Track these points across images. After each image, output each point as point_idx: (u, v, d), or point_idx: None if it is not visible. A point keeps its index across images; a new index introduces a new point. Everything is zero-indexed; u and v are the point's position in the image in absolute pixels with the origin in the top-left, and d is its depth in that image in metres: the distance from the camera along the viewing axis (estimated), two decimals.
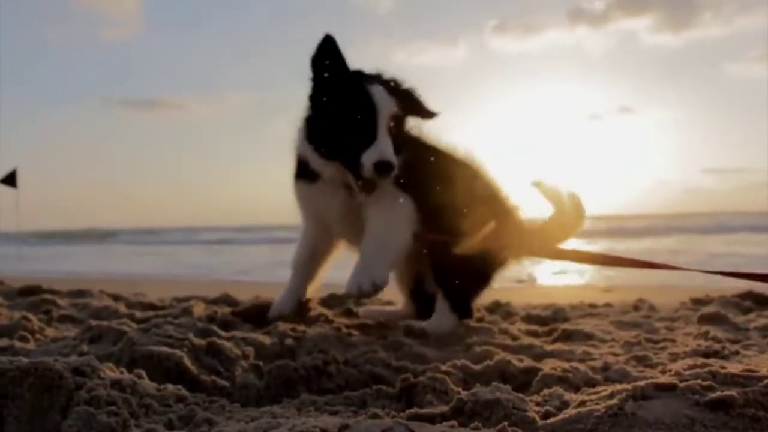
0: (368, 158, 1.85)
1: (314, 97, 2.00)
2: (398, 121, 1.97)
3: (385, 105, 1.91)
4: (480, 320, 2.43)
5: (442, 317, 2.16)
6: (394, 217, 2.02)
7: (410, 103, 2.02)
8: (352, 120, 1.89)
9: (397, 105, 1.94)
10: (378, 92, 1.92)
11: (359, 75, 1.98)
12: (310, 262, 2.31)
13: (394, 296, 2.82)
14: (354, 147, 1.88)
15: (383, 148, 1.86)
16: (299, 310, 2.32)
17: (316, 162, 2.02)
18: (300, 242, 2.33)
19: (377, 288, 1.91)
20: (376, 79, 1.99)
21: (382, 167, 1.84)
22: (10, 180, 10.43)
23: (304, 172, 2.11)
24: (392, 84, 2.00)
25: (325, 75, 1.95)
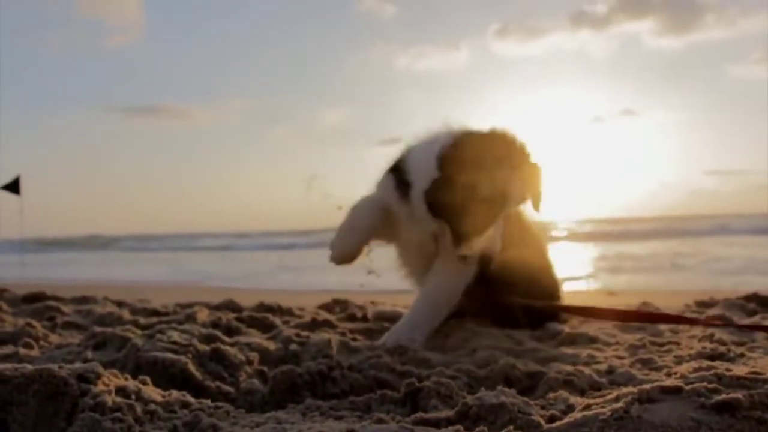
0: (475, 245, 1.92)
1: (449, 164, 1.88)
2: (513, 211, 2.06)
3: (514, 203, 1.97)
4: (484, 324, 2.42)
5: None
6: (453, 284, 2.10)
7: (534, 197, 2.03)
8: (479, 208, 1.87)
9: (523, 199, 2.00)
10: (515, 191, 1.92)
11: (506, 155, 1.91)
12: (370, 214, 2.13)
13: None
14: (467, 228, 1.90)
15: (492, 242, 1.94)
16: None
17: (422, 213, 1.96)
18: (369, 198, 2.15)
19: (413, 344, 1.91)
20: (522, 162, 1.94)
21: (486, 258, 1.96)
22: (14, 187, 10.45)
23: (400, 187, 2.03)
24: (533, 170, 1.97)
25: (471, 150, 1.90)
